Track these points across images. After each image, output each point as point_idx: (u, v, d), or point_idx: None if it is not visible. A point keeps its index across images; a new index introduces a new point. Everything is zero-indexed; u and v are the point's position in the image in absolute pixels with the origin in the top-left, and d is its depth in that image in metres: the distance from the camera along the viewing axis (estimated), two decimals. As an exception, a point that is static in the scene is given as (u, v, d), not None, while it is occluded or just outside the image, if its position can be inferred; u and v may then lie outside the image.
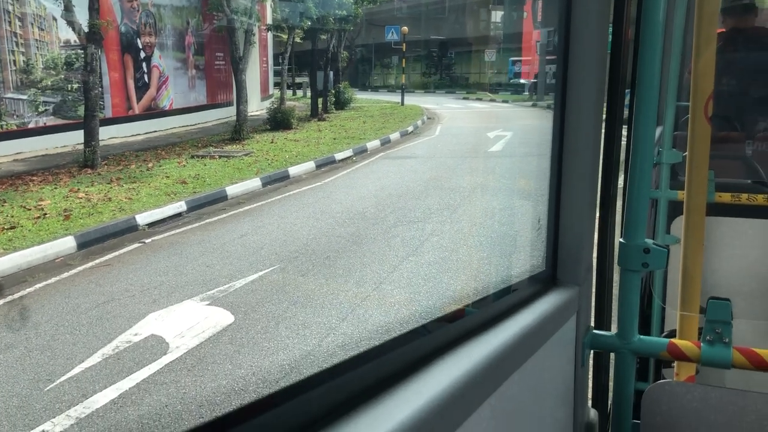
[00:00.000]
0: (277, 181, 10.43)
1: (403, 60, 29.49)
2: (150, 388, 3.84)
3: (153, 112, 16.38)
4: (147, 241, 7.03)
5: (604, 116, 1.43)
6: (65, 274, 5.92)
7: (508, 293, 1.28)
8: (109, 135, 13.42)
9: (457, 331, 1.05)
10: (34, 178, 9.76)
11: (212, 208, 8.62)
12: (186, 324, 4.71)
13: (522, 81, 32.09)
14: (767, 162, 3.46)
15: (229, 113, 17.99)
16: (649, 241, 1.43)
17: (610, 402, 1.60)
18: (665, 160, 3.03)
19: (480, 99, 31.15)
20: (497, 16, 34.71)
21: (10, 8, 12.03)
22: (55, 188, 9.03)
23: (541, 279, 1.40)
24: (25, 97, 12.34)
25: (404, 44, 27.84)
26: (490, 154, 13.70)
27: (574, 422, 1.47)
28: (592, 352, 1.56)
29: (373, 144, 14.31)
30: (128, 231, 7.33)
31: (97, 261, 6.35)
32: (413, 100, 27.22)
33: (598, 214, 1.52)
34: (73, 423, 3.50)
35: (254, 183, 9.95)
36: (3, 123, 11.83)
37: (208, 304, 5.07)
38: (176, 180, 9.80)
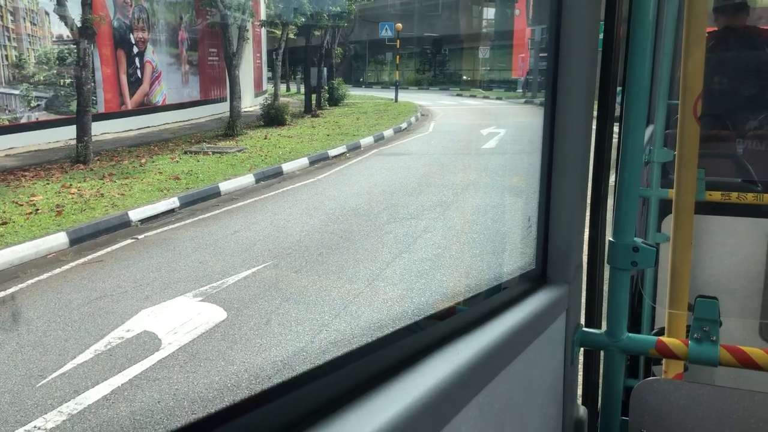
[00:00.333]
0: (271, 177, 10.42)
1: (397, 57, 29.50)
2: (142, 385, 3.84)
3: (146, 107, 16.31)
4: (140, 237, 7.01)
5: (595, 114, 1.44)
6: (57, 270, 5.90)
7: (499, 291, 1.29)
8: (101, 130, 13.37)
9: (448, 329, 1.06)
10: (26, 173, 9.72)
11: (205, 204, 8.61)
12: (178, 320, 4.71)
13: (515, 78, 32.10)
14: (757, 160, 3.47)
15: (222, 109, 17.95)
16: (639, 239, 1.44)
17: (599, 399, 1.61)
18: (656, 158, 3.05)
19: (474, 96, 31.15)
20: (490, 13, 34.69)
21: (2, 2, 11.94)
22: (48, 184, 8.99)
23: (531, 277, 1.41)
24: (17, 92, 12.27)
25: (398, 41, 27.83)
26: (483, 151, 13.71)
27: (564, 419, 1.48)
28: (581, 349, 1.57)
29: (366, 141, 14.30)
30: (121, 227, 7.31)
31: (90, 257, 6.33)
32: (407, 96, 27.20)
33: (588, 213, 1.53)
34: (65, 419, 3.49)
35: (247, 179, 9.93)
36: (-5, 118, 11.78)
37: (201, 301, 5.06)
38: (169, 176, 9.77)
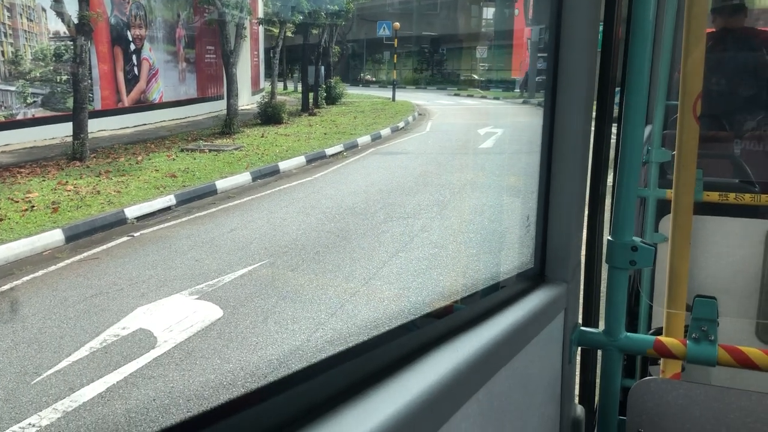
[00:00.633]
0: (268, 175, 10.40)
1: (395, 56, 29.47)
2: (138, 382, 3.83)
3: (143, 105, 16.28)
4: (136, 234, 7.00)
5: (594, 114, 1.44)
6: (53, 267, 5.89)
7: (497, 290, 1.29)
8: (98, 127, 13.33)
9: (446, 327, 1.05)
10: (22, 170, 9.68)
11: (202, 202, 8.59)
12: (174, 318, 4.70)
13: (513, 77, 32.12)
14: (755, 161, 3.48)
15: (219, 107, 17.91)
16: (637, 239, 1.44)
17: (597, 399, 1.61)
18: (654, 158, 3.05)
19: (471, 95, 31.15)
20: (489, 12, 34.69)
21: (-1, -2, 11.92)
22: (44, 181, 8.97)
23: (529, 276, 1.41)
24: (13, 88, 12.23)
25: (396, 40, 27.84)
26: (481, 151, 13.71)
27: (561, 419, 1.48)
28: (579, 348, 1.56)
29: (363, 139, 14.29)
30: (117, 224, 7.29)
31: (86, 254, 6.31)
32: (404, 95, 27.19)
33: (586, 212, 1.52)
34: (60, 416, 3.48)
35: (244, 177, 9.92)
36: (-9, 114, 11.74)
37: (197, 299, 5.05)
38: (165, 173, 9.76)
